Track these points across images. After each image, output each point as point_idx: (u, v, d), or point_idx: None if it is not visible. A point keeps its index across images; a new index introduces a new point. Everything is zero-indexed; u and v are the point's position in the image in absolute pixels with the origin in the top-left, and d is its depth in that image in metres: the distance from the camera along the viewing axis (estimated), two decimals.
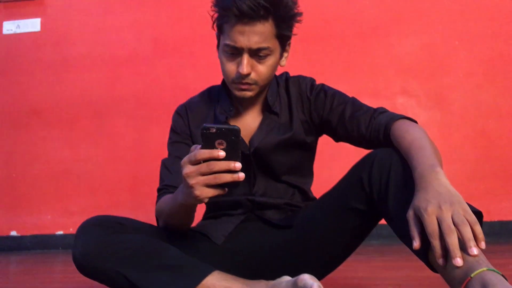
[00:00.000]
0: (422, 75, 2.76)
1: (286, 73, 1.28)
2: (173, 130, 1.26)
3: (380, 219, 1.05)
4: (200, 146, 0.84)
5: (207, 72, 2.87)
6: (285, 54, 1.19)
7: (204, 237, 1.16)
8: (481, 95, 2.70)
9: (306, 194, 1.25)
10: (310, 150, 1.25)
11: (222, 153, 0.82)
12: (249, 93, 1.13)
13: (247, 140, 1.19)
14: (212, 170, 0.83)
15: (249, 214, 1.19)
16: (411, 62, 2.77)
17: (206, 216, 1.27)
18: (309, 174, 1.29)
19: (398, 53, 2.79)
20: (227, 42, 1.08)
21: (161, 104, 2.96)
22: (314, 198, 1.26)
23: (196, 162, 0.84)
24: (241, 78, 1.09)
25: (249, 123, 1.21)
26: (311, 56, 2.81)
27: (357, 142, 1.14)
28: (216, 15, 1.12)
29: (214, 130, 0.82)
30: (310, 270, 1.04)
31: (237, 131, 0.83)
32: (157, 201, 1.16)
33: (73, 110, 3.06)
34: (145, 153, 2.95)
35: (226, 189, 0.86)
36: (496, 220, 2.58)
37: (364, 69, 2.80)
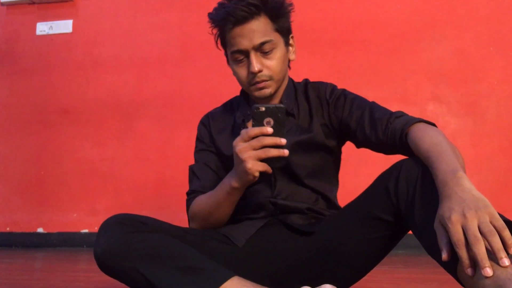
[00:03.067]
0: (454, 82, 2.69)
1: (306, 79, 1.28)
2: (198, 139, 1.31)
3: (407, 231, 1.01)
4: (251, 125, 0.98)
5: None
6: (291, 48, 1.21)
7: (225, 239, 1.15)
8: None
9: (330, 202, 1.22)
10: (332, 155, 1.22)
11: (270, 129, 0.96)
12: (267, 90, 1.14)
13: None
14: (262, 144, 0.96)
15: (272, 218, 1.17)
16: (442, 68, 2.70)
17: (229, 221, 1.25)
18: (334, 181, 1.26)
19: (429, 58, 2.72)
20: (233, 49, 1.13)
21: (187, 106, 2.97)
22: (339, 207, 1.24)
23: (248, 139, 0.96)
24: (254, 77, 1.13)
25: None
26: (339, 61, 2.77)
27: (376, 147, 1.12)
28: (215, 31, 1.19)
29: (263, 109, 0.97)
30: (332, 280, 1.01)
31: (283, 108, 0.97)
32: (188, 205, 1.21)
33: (101, 110, 3.10)
34: (171, 154, 2.97)
35: (271, 169, 0.99)
36: None
37: (393, 74, 2.74)
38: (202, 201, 1.16)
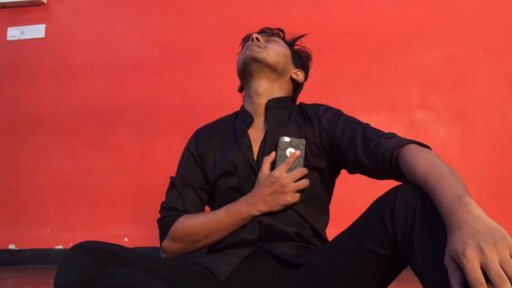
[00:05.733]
0: (443, 88, 2.62)
1: (302, 102, 1.28)
2: (187, 149, 1.26)
3: (405, 266, 0.91)
4: (274, 154, 1.08)
5: (216, 81, 2.79)
6: (297, 71, 1.30)
7: (206, 271, 1.04)
8: (506, 110, 2.55)
9: (317, 233, 1.12)
10: (322, 179, 1.14)
11: (298, 153, 1.07)
12: (254, 53, 1.19)
13: (256, 155, 1.15)
14: (301, 175, 1.06)
15: (257, 248, 1.06)
16: (431, 74, 2.64)
17: (210, 250, 1.16)
18: (323, 211, 1.17)
19: (417, 64, 2.66)
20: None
21: (167, 115, 2.87)
22: (326, 241, 1.15)
23: (288, 168, 1.05)
24: (251, 40, 1.23)
25: (261, 136, 1.18)
26: (326, 66, 2.68)
27: (367, 171, 1.04)
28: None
29: (288, 140, 1.08)
30: None
31: (304, 141, 1.09)
32: (167, 222, 1.13)
33: (76, 120, 2.97)
34: (150, 165, 2.85)
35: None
36: None
37: (381, 80, 2.67)
38: (195, 223, 1.09)
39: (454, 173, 0.82)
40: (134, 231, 2.76)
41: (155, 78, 2.94)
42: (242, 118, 1.23)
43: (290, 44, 1.32)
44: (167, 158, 2.74)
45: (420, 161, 0.86)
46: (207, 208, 1.22)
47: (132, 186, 2.85)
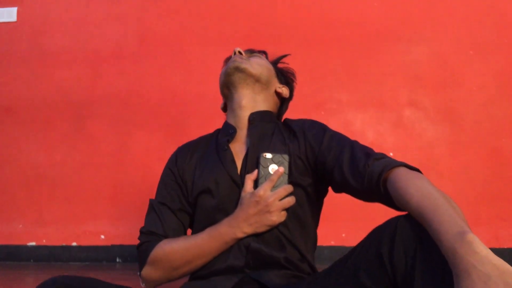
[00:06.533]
0: (432, 86, 2.57)
1: (288, 118, 1.23)
2: (167, 167, 1.19)
3: None
4: (256, 171, 1.01)
5: (198, 71, 2.68)
6: (281, 86, 1.27)
7: None
8: (494, 110, 2.52)
9: (305, 258, 1.05)
10: (307, 195, 1.07)
11: (282, 169, 1.00)
12: (237, 63, 1.16)
13: (239, 170, 1.08)
14: (287, 193, 0.99)
15: (244, 276, 0.98)
16: (420, 72, 2.58)
17: (193, 276, 1.07)
18: (309, 233, 1.09)
19: (406, 61, 2.60)
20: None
21: (146, 106, 2.76)
22: (314, 268, 1.08)
23: (272, 186, 0.98)
24: (234, 54, 1.21)
25: (244, 151, 1.12)
26: (312, 62, 2.61)
27: (354, 192, 0.98)
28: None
29: (270, 156, 1.01)
30: None
31: (287, 157, 1.02)
32: (147, 248, 1.05)
33: (50, 110, 2.83)
34: (128, 159, 2.74)
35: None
36: (505, 247, 2.40)
37: (368, 77, 2.60)
38: (175, 248, 1.01)
39: (450, 201, 0.76)
40: (110, 228, 2.66)
41: (134, 67, 2.83)
42: (225, 131, 1.18)
43: (274, 63, 1.31)
44: (145, 152, 2.65)
45: (411, 189, 0.80)
46: (189, 231, 1.14)
47: (108, 181, 2.74)
